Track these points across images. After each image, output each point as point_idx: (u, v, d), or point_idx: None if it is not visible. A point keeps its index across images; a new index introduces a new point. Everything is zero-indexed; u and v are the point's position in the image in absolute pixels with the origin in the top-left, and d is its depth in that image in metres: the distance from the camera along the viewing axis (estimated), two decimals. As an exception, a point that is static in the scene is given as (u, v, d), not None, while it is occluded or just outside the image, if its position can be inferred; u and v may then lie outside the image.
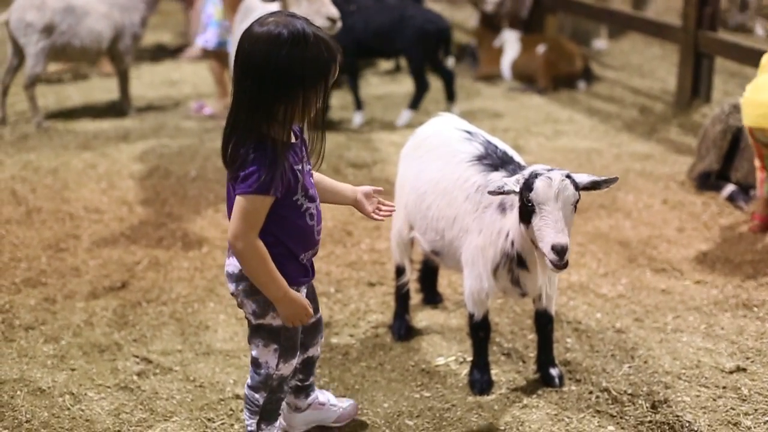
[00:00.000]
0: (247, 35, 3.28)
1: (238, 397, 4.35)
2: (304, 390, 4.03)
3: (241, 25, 7.02)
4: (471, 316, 4.36)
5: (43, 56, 8.12)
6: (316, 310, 3.85)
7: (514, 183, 3.83)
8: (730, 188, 6.65)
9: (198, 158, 7.52)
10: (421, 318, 5.09)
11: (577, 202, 3.80)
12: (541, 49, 9.77)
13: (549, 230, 3.71)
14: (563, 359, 4.65)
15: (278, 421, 3.80)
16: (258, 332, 3.61)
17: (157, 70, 10.52)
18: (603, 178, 3.89)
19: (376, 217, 3.81)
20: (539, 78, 9.74)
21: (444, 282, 5.42)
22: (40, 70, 8.18)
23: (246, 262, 3.40)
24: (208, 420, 4.19)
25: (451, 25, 9.03)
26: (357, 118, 8.53)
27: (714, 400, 4.31)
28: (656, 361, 4.64)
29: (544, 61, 9.72)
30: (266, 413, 3.74)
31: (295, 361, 3.71)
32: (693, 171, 6.98)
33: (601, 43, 11.70)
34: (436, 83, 8.86)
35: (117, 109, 8.85)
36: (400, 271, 4.88)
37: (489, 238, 4.12)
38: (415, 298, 5.18)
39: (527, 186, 3.77)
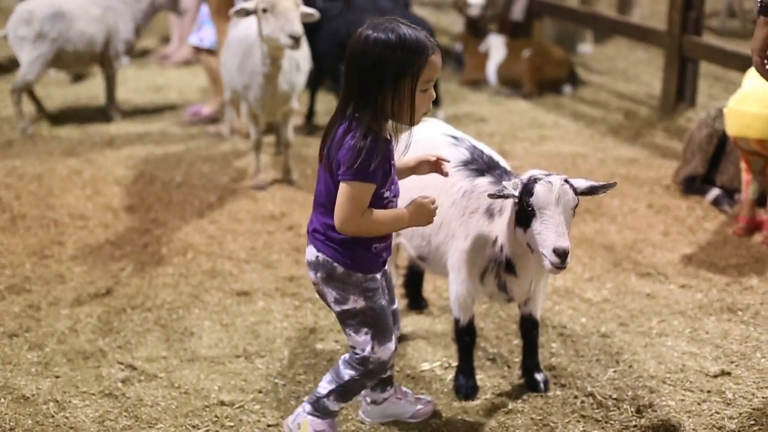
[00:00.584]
0: (353, 36, 3.58)
1: (222, 403, 4.34)
2: (380, 383, 4.12)
3: (233, 30, 6.98)
4: (456, 321, 4.36)
5: (37, 65, 8.10)
6: (392, 300, 4.00)
7: (512, 187, 3.83)
8: (715, 192, 6.66)
9: (183, 164, 7.51)
10: (407, 323, 5.08)
11: (576, 206, 3.81)
12: (526, 53, 9.78)
13: (550, 234, 3.72)
14: (548, 364, 4.65)
15: (341, 406, 3.95)
16: (345, 319, 3.77)
17: (143, 75, 10.49)
18: (601, 183, 3.91)
19: (444, 170, 3.94)
20: (525, 82, 9.74)
21: (429, 287, 5.42)
22: (32, 79, 8.15)
23: (365, 232, 3.63)
24: (193, 427, 4.17)
25: (436, 30, 9.02)
26: (342, 124, 8.50)
27: (699, 404, 4.32)
28: (641, 365, 4.65)
29: (530, 66, 9.72)
30: (344, 390, 3.87)
31: (393, 345, 3.81)
32: (678, 175, 7.00)
33: (586, 47, 11.72)
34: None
35: (102, 114, 8.83)
36: (385, 277, 4.88)
37: (476, 243, 4.12)
38: (401, 303, 5.18)
39: (527, 191, 3.78)
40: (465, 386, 4.41)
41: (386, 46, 3.48)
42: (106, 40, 8.43)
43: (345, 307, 3.73)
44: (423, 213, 3.70)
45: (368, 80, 3.50)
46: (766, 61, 4.29)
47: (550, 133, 8.51)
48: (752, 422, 4.17)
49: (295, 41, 5.97)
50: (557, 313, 5.18)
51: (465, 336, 4.38)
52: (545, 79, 9.81)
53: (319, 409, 3.91)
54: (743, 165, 6.11)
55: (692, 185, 6.84)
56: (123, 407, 4.31)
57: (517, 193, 3.82)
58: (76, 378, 4.54)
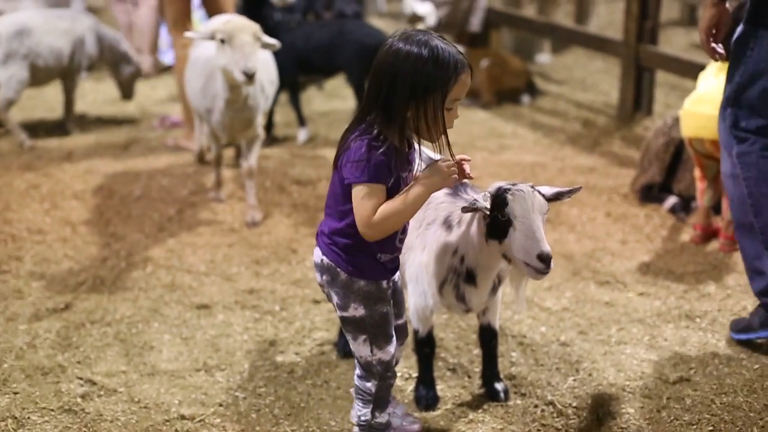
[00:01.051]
0: (382, 47, 3.50)
1: (183, 417, 4.32)
2: None
3: (198, 49, 6.88)
4: (416, 333, 4.36)
5: (14, 84, 8.05)
6: (399, 315, 3.98)
7: (483, 199, 3.81)
8: (672, 200, 6.72)
9: (142, 177, 7.47)
10: (367, 334, 5.08)
11: (547, 212, 3.83)
12: (484, 63, 9.81)
13: (531, 241, 3.72)
14: (508, 373, 4.67)
15: (388, 413, 3.96)
16: (346, 325, 3.76)
17: (100, 88, 10.44)
18: (566, 189, 3.93)
19: (468, 177, 3.74)
20: (483, 92, 9.78)
21: (390, 298, 5.41)
22: (12, 96, 8.10)
23: (387, 230, 3.52)
24: (153, 442, 4.17)
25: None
26: (301, 135, 8.52)
27: (658, 411, 4.35)
28: (601, 373, 4.68)
29: (488, 76, 9.76)
30: (377, 400, 3.87)
31: (393, 348, 3.80)
32: (636, 183, 7.04)
33: (544, 57, 11.79)
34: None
35: (60, 128, 8.78)
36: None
37: (433, 254, 4.11)
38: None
39: (501, 201, 3.76)
40: (425, 397, 4.42)
41: (418, 60, 3.40)
42: (72, 51, 8.38)
43: (345, 314, 3.72)
44: (440, 175, 3.52)
45: (394, 93, 3.41)
46: (712, 39, 4.51)
47: (509, 143, 8.55)
48: (711, 428, 4.20)
49: (249, 78, 5.84)
50: (517, 323, 5.20)
51: (424, 347, 4.38)
52: (503, 89, 9.85)
53: (376, 430, 3.93)
54: (697, 173, 6.17)
55: (649, 193, 6.89)
56: (83, 423, 4.28)
57: (488, 206, 3.81)
58: (34, 394, 4.50)
